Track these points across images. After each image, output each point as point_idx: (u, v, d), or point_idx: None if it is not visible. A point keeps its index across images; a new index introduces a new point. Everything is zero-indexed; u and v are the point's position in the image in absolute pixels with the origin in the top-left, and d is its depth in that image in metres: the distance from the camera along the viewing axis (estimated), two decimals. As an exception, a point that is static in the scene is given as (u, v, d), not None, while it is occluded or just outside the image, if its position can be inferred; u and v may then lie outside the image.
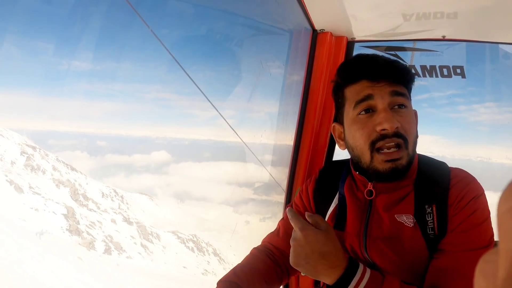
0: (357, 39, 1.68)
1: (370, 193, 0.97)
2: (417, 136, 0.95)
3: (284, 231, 1.14)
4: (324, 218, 1.07)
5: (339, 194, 1.06)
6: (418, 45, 1.71)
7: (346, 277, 0.80)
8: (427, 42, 1.72)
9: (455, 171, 0.94)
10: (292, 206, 1.18)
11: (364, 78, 0.92)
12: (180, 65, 1.62)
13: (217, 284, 1.00)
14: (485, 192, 0.90)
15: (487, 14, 1.49)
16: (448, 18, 1.53)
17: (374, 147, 0.89)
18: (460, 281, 0.81)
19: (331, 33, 1.61)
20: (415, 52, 1.73)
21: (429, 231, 0.88)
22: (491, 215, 0.88)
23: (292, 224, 0.85)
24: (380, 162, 0.89)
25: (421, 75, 1.72)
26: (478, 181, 0.92)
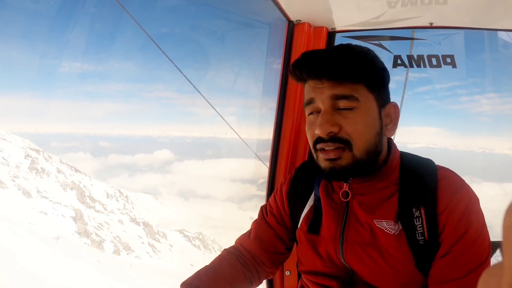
0: (338, 29, 1.58)
1: (346, 194, 0.92)
2: (378, 135, 0.86)
3: (255, 233, 1.10)
4: (298, 220, 1.03)
5: (314, 195, 1.01)
6: (404, 33, 1.60)
7: None
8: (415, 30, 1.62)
9: (443, 171, 0.87)
10: (266, 207, 1.13)
11: (309, 78, 0.87)
12: (176, 66, 1.60)
13: (180, 286, 0.97)
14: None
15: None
16: (436, 3, 1.44)
17: (316, 147, 0.87)
18: None
19: (308, 24, 1.51)
20: (398, 41, 1.63)
21: (419, 236, 0.82)
22: (487, 218, 0.83)
23: None
24: (322, 160, 0.86)
25: (414, 66, 1.62)
26: (467, 181, 0.85)
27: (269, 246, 1.07)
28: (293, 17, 1.48)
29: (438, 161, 0.92)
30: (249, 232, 1.13)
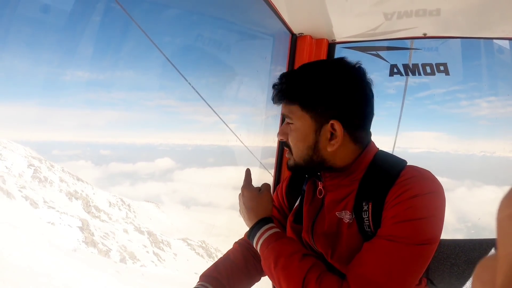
0: (337, 40, 1.69)
1: (320, 191, 1.04)
2: (312, 148, 0.95)
3: None
4: (292, 212, 1.15)
5: (302, 191, 1.14)
6: (400, 43, 1.71)
7: (253, 230, 1.00)
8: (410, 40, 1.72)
9: (408, 170, 0.89)
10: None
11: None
12: (180, 72, 1.65)
13: (200, 277, 1.06)
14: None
15: (471, 10, 1.48)
16: (430, 15, 1.53)
17: None
18: (364, 260, 0.81)
19: (310, 36, 1.62)
20: (394, 51, 1.73)
21: (366, 228, 0.89)
22: (444, 217, 0.84)
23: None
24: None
25: (410, 74, 1.72)
26: (435, 178, 0.87)
27: None
28: (295, 30, 1.58)
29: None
30: None
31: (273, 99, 1.01)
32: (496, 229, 0.21)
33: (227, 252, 1.17)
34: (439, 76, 1.70)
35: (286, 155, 1.03)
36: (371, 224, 0.88)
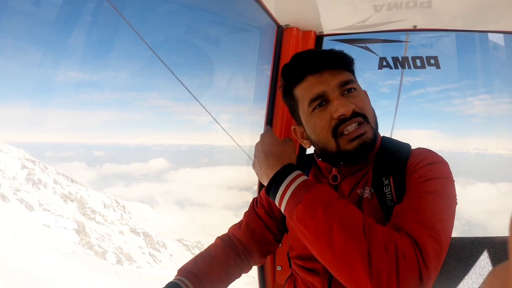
0: (325, 33, 1.64)
1: (335, 178, 0.99)
2: (374, 112, 0.99)
3: (246, 224, 1.16)
4: None
5: None
6: (389, 36, 1.66)
7: (279, 176, 0.84)
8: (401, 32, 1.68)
9: (416, 148, 0.97)
10: (257, 199, 1.19)
11: (309, 73, 0.94)
12: (171, 71, 1.62)
13: (177, 271, 1.03)
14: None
15: (463, 2, 1.44)
16: (421, 7, 1.49)
17: (337, 133, 0.91)
18: (411, 213, 0.77)
19: (297, 28, 1.57)
20: (384, 44, 1.69)
21: (389, 203, 0.89)
22: (455, 183, 0.87)
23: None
24: (346, 144, 0.91)
25: (399, 67, 1.68)
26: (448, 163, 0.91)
27: (259, 236, 1.13)
28: (281, 22, 1.54)
29: None
30: (240, 223, 1.18)
31: (313, 69, 0.93)
32: (509, 239, 0.21)
33: (208, 247, 1.14)
34: (432, 73, 1.67)
35: (360, 131, 0.90)
36: (394, 196, 0.89)
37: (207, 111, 1.78)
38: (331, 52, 0.96)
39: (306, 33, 1.60)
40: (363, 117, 0.91)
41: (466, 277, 1.39)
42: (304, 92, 0.95)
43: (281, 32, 1.57)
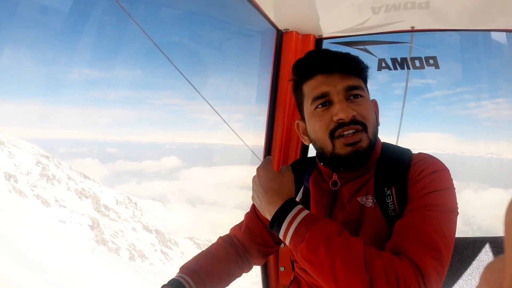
0: (324, 36, 1.67)
1: (335, 183, 0.99)
2: (377, 123, 0.99)
3: (246, 225, 1.17)
4: None
5: (304, 187, 1.09)
6: (388, 37, 1.69)
7: (281, 213, 0.84)
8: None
9: (417, 155, 0.96)
10: None
11: (319, 72, 0.95)
12: (181, 72, 1.67)
13: (179, 269, 1.06)
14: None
15: (461, 1, 1.46)
16: (419, 8, 1.51)
17: (334, 135, 0.92)
18: (413, 232, 0.79)
19: (296, 32, 1.61)
20: (387, 45, 1.71)
21: (391, 213, 0.89)
22: (455, 191, 0.88)
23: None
24: (341, 147, 0.92)
25: (398, 68, 1.70)
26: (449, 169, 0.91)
27: (258, 238, 1.15)
28: (281, 26, 1.58)
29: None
30: (241, 224, 1.20)
31: (324, 68, 0.94)
32: (504, 232, 0.21)
33: (210, 246, 1.17)
34: (442, 75, 1.68)
35: (355, 139, 0.90)
36: (396, 207, 0.89)
37: (217, 112, 1.83)
38: (345, 55, 0.96)
39: (305, 36, 1.63)
40: (362, 125, 0.91)
41: (469, 277, 1.40)
42: (311, 89, 0.96)
43: (281, 36, 1.61)
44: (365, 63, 0.99)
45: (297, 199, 1.08)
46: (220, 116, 1.81)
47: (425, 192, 0.84)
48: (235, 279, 1.14)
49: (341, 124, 0.91)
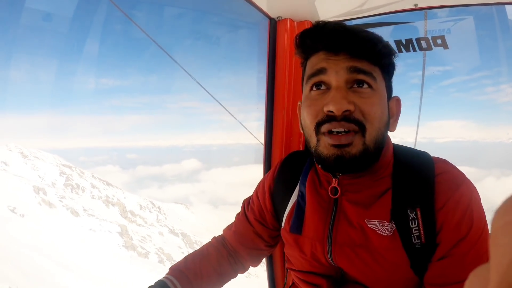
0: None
1: (335, 191, 0.83)
2: (387, 127, 0.80)
3: (236, 227, 1.09)
4: (282, 218, 0.96)
5: (299, 191, 0.93)
6: (391, 18, 1.58)
7: None
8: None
9: (440, 164, 0.79)
10: (249, 201, 1.11)
11: (323, 49, 0.78)
12: (189, 74, 1.66)
13: (168, 270, 1.01)
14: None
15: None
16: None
17: (319, 129, 0.76)
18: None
19: (291, 19, 1.52)
20: (391, 27, 1.61)
21: (415, 240, 0.74)
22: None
23: None
24: (325, 146, 0.75)
25: (403, 51, 1.59)
26: (466, 175, 0.78)
27: (248, 241, 1.05)
28: (273, 14, 1.50)
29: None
30: (232, 225, 1.12)
31: (329, 45, 0.76)
32: (490, 238, 0.21)
33: (202, 246, 1.11)
34: (468, 60, 1.55)
35: (343, 141, 0.73)
36: (422, 233, 0.74)
37: (230, 113, 1.79)
38: (360, 32, 0.75)
39: (301, 23, 1.55)
40: (359, 125, 0.73)
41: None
42: (310, 66, 0.80)
43: (274, 25, 1.52)
44: (390, 47, 0.79)
45: (290, 205, 0.94)
46: (233, 116, 1.76)
47: (461, 236, 0.72)
48: (229, 279, 1.07)
49: (330, 118, 0.73)
